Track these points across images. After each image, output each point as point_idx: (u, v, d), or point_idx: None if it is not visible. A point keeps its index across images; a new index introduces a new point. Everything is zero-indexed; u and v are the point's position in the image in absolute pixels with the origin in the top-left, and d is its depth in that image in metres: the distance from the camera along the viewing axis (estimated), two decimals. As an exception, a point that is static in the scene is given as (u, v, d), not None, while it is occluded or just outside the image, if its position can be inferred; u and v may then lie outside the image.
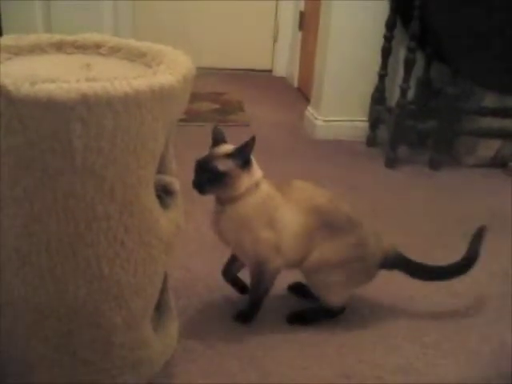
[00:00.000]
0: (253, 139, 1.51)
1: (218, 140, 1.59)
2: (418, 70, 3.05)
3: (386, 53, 3.06)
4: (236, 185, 1.53)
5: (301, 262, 1.64)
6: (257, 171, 1.58)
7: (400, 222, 2.34)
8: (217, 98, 3.83)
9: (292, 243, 1.60)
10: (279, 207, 1.59)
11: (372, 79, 3.13)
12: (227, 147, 1.56)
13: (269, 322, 1.69)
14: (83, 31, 1.42)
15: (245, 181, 1.54)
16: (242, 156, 1.53)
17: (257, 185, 1.57)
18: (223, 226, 1.59)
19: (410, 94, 2.98)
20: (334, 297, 1.67)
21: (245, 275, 1.72)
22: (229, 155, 1.53)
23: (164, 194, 1.34)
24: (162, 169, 1.32)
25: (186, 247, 1.96)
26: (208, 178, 1.52)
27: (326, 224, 1.61)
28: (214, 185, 1.53)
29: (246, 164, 1.54)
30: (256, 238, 1.57)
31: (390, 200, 2.59)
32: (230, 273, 1.74)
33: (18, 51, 1.31)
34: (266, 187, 1.59)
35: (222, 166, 1.51)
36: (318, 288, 1.67)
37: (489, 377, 1.55)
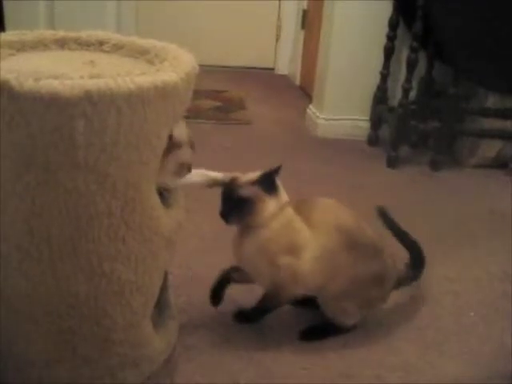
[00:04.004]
0: (279, 167, 1.50)
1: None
2: (421, 69, 3.05)
3: (389, 52, 3.06)
4: (262, 210, 1.50)
5: (322, 288, 1.58)
6: (283, 196, 1.54)
7: (400, 222, 2.33)
8: (219, 95, 3.82)
9: (313, 267, 1.53)
10: (300, 231, 1.53)
11: (374, 78, 3.13)
12: (252, 175, 1.53)
13: (269, 321, 1.69)
14: (86, 29, 1.42)
15: (271, 205, 1.50)
16: (267, 182, 1.50)
17: (281, 209, 1.53)
18: (244, 250, 1.54)
19: (412, 93, 2.97)
20: (349, 319, 1.64)
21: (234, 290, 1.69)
22: (254, 182, 1.50)
23: (165, 191, 1.34)
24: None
25: (187, 245, 1.95)
26: (232, 205, 1.49)
27: (351, 246, 1.55)
28: (239, 212, 1.50)
29: (271, 189, 1.51)
30: (275, 263, 1.51)
31: (391, 200, 2.57)
32: (224, 282, 1.64)
33: (21, 47, 1.31)
34: (289, 212, 1.54)
35: (246, 191, 1.49)
36: (334, 313, 1.62)
37: (489, 377, 1.55)
